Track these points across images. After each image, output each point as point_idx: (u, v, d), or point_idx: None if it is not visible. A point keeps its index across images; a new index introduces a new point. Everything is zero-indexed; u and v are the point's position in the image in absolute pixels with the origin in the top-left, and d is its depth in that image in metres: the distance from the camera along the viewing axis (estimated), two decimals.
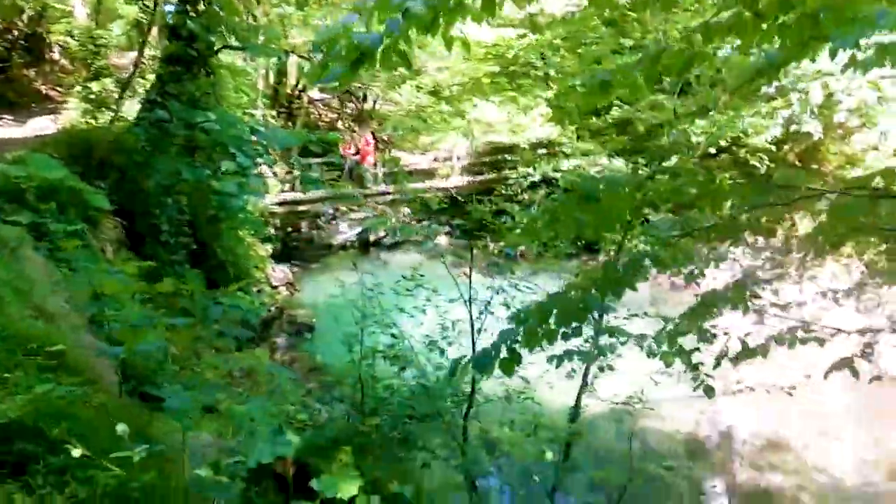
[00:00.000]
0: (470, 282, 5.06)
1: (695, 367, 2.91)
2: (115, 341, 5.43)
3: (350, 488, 3.99)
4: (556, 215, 2.67)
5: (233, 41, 10.43)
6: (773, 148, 13.34)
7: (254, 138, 7.50)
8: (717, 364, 2.91)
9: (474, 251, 6.08)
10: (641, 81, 2.59)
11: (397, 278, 6.48)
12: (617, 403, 5.31)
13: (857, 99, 10.28)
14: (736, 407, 8.62)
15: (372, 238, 19.50)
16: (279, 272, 15.41)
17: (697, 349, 2.97)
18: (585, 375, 5.17)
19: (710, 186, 2.74)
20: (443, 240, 17.12)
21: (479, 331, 5.13)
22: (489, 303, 5.23)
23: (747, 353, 2.82)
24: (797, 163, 14.11)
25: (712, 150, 13.58)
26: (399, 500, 5.30)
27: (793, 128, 11.54)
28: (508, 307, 5.22)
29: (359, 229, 20.48)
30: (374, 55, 1.98)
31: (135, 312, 6.60)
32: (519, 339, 2.36)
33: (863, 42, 3.19)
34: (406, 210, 18.73)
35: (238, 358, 7.65)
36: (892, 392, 8.93)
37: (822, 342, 2.73)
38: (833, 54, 3.37)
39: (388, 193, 15.69)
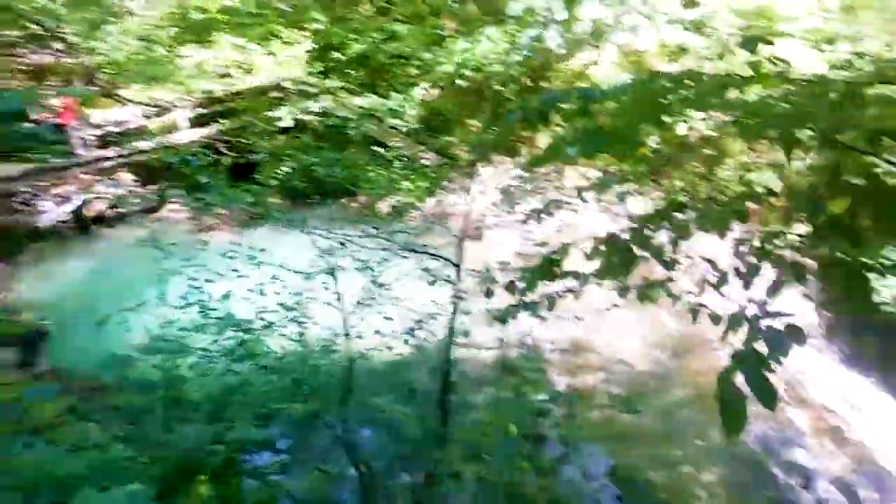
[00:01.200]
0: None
1: (678, 298, 2.66)
2: None
3: None
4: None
5: None
6: (512, 73, 13.92)
7: None
8: (701, 292, 2.70)
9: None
10: None
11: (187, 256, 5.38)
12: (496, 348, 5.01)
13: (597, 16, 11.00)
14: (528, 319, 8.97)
15: (91, 214, 16.56)
16: None
17: (671, 279, 2.73)
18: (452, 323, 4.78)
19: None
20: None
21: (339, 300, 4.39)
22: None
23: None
24: (530, 83, 14.97)
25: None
26: None
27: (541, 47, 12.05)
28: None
29: (69, 206, 17.21)
30: None
31: None
32: None
33: None
34: (130, 177, 16.18)
35: None
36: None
37: None
38: None
39: (108, 158, 13.25)
